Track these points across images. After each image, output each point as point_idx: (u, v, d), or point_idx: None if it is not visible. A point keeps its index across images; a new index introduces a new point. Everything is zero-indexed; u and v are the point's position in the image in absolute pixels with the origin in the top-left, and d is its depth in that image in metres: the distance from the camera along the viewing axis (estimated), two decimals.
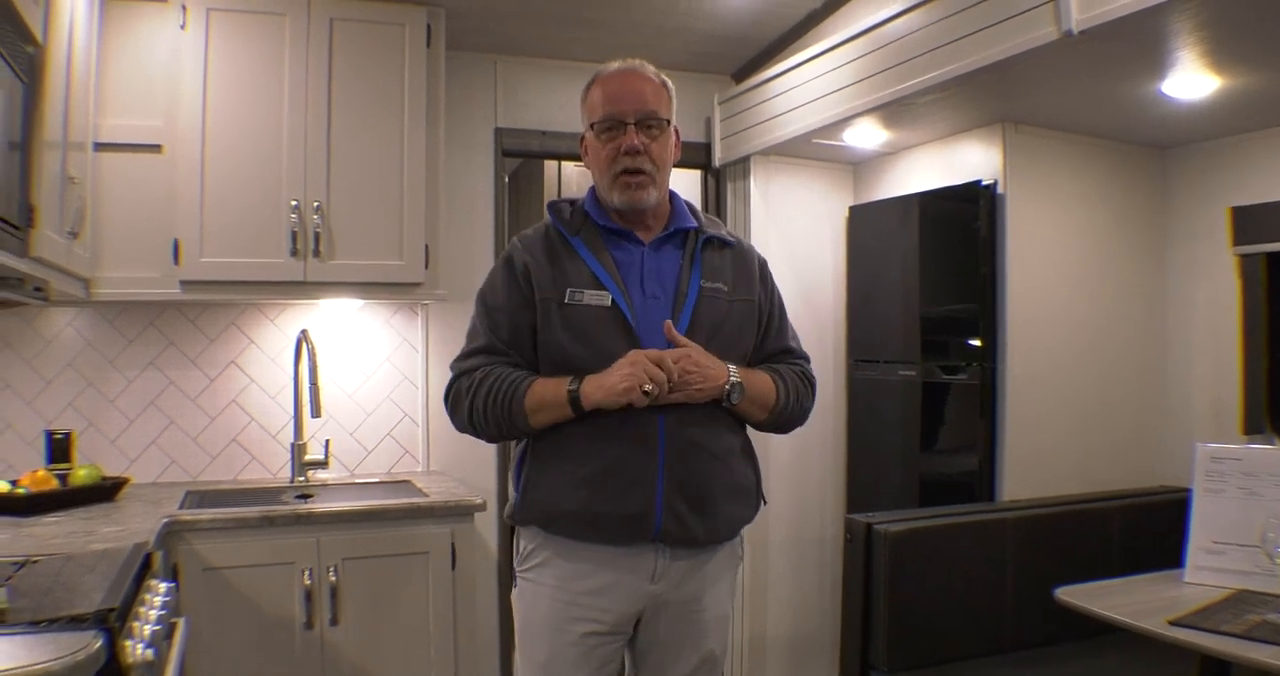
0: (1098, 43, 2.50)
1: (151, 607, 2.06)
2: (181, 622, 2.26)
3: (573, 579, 2.09)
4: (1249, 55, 2.65)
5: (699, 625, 2.16)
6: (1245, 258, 3.35)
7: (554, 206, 2.24)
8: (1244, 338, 3.36)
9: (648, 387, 1.93)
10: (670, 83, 2.20)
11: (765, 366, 2.23)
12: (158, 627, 1.94)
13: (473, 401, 2.08)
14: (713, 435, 2.11)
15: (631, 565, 2.08)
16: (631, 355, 1.98)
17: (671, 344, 2.03)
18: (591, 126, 2.16)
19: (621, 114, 2.10)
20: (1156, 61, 2.72)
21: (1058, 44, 2.52)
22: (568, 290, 2.07)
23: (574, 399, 2.00)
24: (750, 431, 2.26)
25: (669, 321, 2.04)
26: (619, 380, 1.95)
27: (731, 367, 2.09)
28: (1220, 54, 2.63)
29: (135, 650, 1.78)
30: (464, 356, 2.16)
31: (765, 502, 2.29)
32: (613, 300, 2.06)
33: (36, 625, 1.64)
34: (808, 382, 2.29)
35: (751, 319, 2.23)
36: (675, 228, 2.19)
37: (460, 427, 2.17)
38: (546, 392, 2.03)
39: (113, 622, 1.69)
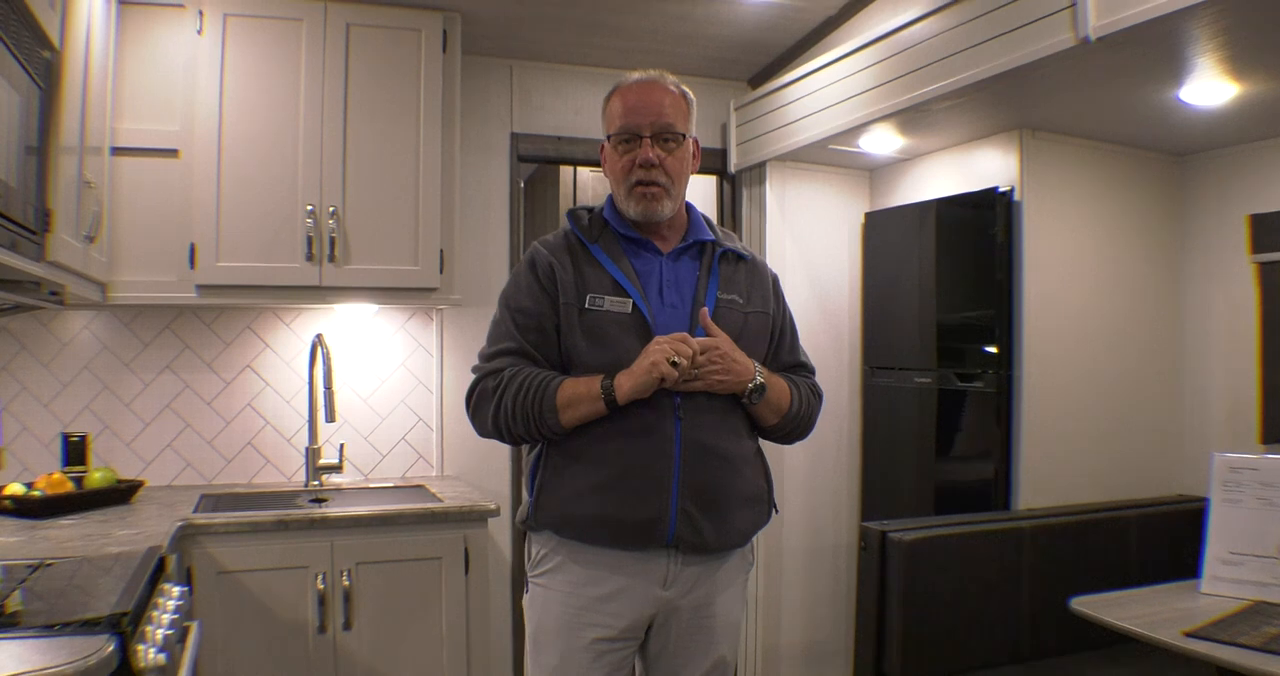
0: (1116, 49, 2.49)
1: (164, 611, 2.06)
2: (195, 626, 2.26)
3: (585, 584, 2.09)
4: (1268, 62, 2.63)
5: (710, 631, 2.15)
6: (1264, 265, 3.33)
7: (573, 214, 2.25)
8: (1262, 346, 3.34)
9: (674, 359, 1.93)
10: (691, 94, 2.20)
11: (782, 374, 2.24)
12: (170, 632, 1.94)
13: (500, 400, 2.06)
14: (728, 440, 2.11)
15: (644, 570, 2.08)
16: (654, 341, 1.99)
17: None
18: (609, 137, 2.17)
19: (638, 127, 2.11)
20: (1175, 68, 2.70)
21: (1075, 50, 2.50)
22: (588, 295, 2.09)
23: (607, 391, 1.99)
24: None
25: (705, 309, 2.06)
26: (643, 359, 1.97)
27: (759, 368, 2.11)
28: (1239, 60, 2.61)
29: (148, 654, 1.78)
30: (488, 357, 2.14)
31: (776, 511, 2.29)
32: (634, 306, 2.07)
33: (49, 628, 1.65)
34: (818, 396, 2.32)
35: (765, 331, 2.24)
36: (693, 239, 2.21)
37: (482, 430, 2.15)
38: (579, 388, 2.02)
39: (125, 627, 1.69)
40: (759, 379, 2.09)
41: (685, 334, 2.00)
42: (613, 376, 2.00)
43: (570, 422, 2.03)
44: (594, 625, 2.08)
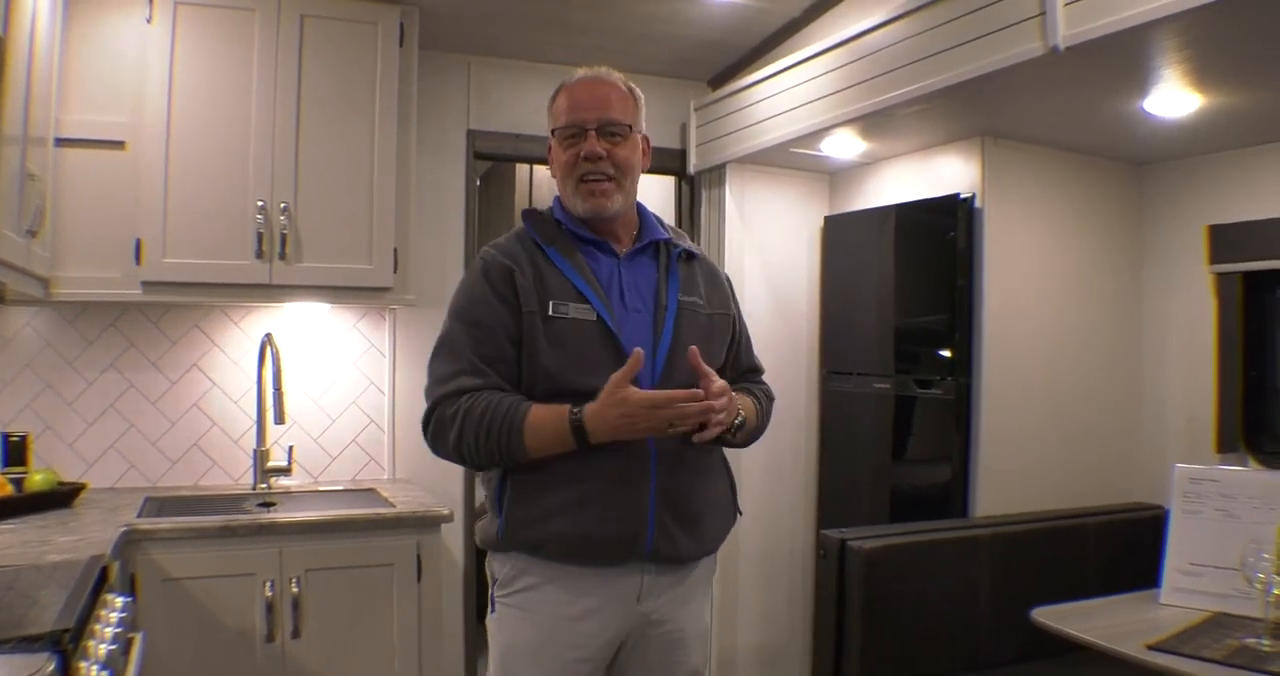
0: (1083, 59, 2.49)
1: (107, 624, 1.97)
2: (139, 637, 2.18)
3: (560, 604, 2.00)
4: (1232, 74, 2.65)
5: (683, 643, 2.10)
6: (1222, 276, 3.35)
7: (529, 215, 2.18)
8: (1219, 356, 3.36)
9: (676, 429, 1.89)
10: (638, 90, 2.16)
11: (742, 388, 2.20)
12: (114, 646, 1.86)
13: (461, 432, 1.95)
14: (697, 448, 2.04)
15: (619, 586, 2.01)
16: (636, 399, 1.87)
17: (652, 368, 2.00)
18: (554, 132, 2.11)
19: (583, 121, 2.06)
20: (1140, 79, 2.71)
21: (1043, 59, 2.50)
22: (550, 302, 2.00)
23: (577, 430, 1.91)
24: None
25: (695, 348, 1.95)
26: (633, 420, 1.88)
27: (738, 402, 2.06)
28: (1204, 72, 2.62)
29: (90, 672, 1.70)
30: (442, 380, 2.01)
31: (740, 513, 2.25)
32: (598, 315, 2.00)
33: None
34: (771, 401, 2.31)
35: (727, 333, 2.21)
36: (649, 239, 2.15)
37: (444, 455, 2.04)
38: (546, 426, 1.93)
39: (66, 644, 1.61)
40: (741, 414, 2.06)
41: (696, 392, 1.88)
42: (581, 410, 1.90)
43: (542, 454, 1.95)
44: (569, 646, 2.00)
